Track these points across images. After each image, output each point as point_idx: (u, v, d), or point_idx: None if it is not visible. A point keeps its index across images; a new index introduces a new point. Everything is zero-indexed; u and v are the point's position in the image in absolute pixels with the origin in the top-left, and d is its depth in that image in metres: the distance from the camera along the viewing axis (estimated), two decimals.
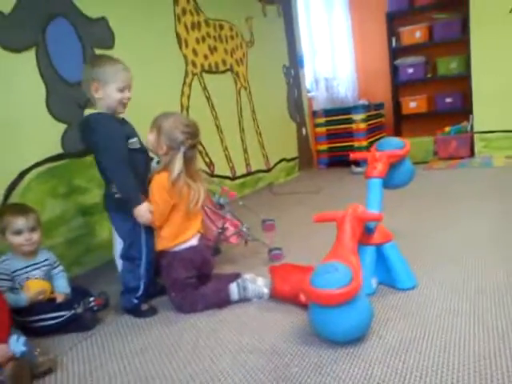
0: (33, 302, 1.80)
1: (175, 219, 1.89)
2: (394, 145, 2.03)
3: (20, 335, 1.54)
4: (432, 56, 5.50)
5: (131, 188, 1.81)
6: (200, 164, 1.92)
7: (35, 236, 1.87)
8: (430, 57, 5.51)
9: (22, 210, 1.88)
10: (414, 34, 5.43)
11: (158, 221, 1.86)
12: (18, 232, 1.84)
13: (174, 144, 1.83)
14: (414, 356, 1.35)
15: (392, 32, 5.60)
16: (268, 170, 4.47)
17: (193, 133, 1.87)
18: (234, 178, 3.87)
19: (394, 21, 5.61)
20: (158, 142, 1.86)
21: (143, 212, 1.80)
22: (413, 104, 5.67)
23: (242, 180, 3.99)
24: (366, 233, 1.76)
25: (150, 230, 1.92)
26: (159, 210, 1.84)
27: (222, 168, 3.69)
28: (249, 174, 4.13)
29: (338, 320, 1.39)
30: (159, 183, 1.84)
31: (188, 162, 1.86)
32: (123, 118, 1.95)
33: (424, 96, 5.60)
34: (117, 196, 1.86)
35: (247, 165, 4.11)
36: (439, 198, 3.30)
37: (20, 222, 1.83)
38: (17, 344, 1.52)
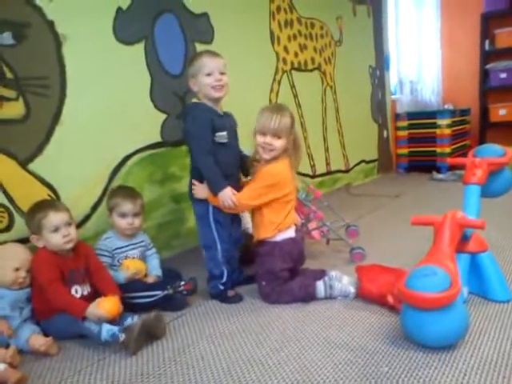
0: (129, 280, 1.92)
1: (284, 209, 1.92)
2: (494, 152, 1.96)
3: (133, 314, 1.69)
4: None
5: (214, 173, 1.86)
6: None
7: (137, 221, 1.99)
8: None
9: (131, 195, 2.00)
10: None
11: (245, 208, 1.99)
12: (123, 215, 1.96)
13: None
14: None
15: (486, 34, 5.35)
16: (347, 171, 4.44)
17: None
18: (314, 176, 3.88)
19: (490, 22, 5.35)
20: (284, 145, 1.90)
21: (227, 196, 1.84)
22: (502, 111, 5.39)
23: (320, 179, 3.99)
24: (461, 240, 1.72)
25: (220, 219, 1.96)
26: (257, 198, 1.88)
27: (303, 165, 3.69)
28: (328, 173, 4.12)
29: (433, 324, 1.38)
30: (278, 173, 1.88)
31: None
32: (225, 112, 2.01)
33: None
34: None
35: (327, 164, 4.10)
36: None
37: (127, 206, 1.96)
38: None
